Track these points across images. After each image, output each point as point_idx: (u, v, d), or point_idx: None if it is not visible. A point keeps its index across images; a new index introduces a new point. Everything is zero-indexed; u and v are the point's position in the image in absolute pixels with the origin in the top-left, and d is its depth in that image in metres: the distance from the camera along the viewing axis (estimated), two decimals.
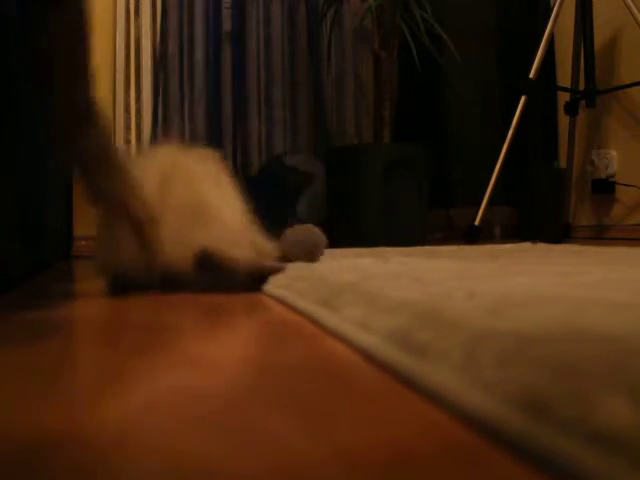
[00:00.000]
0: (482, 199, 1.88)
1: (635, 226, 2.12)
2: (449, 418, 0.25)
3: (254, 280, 0.74)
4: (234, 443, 0.23)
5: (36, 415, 0.26)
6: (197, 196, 0.79)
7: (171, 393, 0.29)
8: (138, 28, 2.15)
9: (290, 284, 0.67)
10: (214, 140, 2.22)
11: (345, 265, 0.92)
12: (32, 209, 0.94)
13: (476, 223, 1.87)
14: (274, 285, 0.70)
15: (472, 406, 0.24)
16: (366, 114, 2.41)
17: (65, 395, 0.30)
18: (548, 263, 0.90)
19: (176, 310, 0.60)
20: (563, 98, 2.25)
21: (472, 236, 1.87)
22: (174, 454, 0.22)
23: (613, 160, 2.22)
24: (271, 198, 2.08)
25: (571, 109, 2.18)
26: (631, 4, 1.85)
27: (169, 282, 0.74)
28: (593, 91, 2.01)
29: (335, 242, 2.00)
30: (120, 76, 2.10)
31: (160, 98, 2.17)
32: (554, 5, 1.96)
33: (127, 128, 2.10)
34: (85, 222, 1.79)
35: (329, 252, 1.10)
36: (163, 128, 2.14)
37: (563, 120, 2.35)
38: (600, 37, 2.14)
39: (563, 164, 2.30)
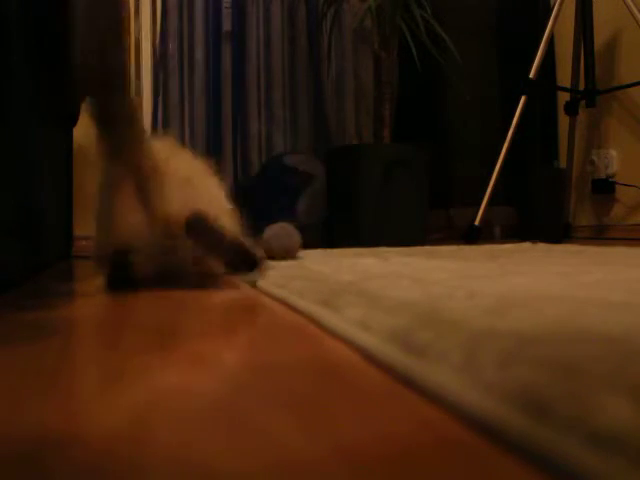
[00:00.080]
0: (482, 199, 1.88)
1: (635, 226, 2.12)
2: (449, 418, 0.25)
3: (241, 259, 0.76)
4: (233, 442, 0.23)
5: (36, 415, 0.26)
6: (192, 171, 0.84)
7: (171, 392, 0.29)
8: (138, 28, 2.15)
9: (290, 284, 0.67)
10: (214, 140, 2.22)
11: (345, 265, 0.92)
12: (32, 209, 0.94)
13: (476, 223, 1.87)
14: (274, 285, 0.70)
15: (472, 406, 0.24)
16: (366, 114, 2.41)
17: (65, 395, 0.30)
18: (548, 263, 0.90)
19: (176, 309, 0.60)
20: (563, 98, 2.25)
21: (472, 236, 1.87)
22: (174, 453, 0.22)
23: (613, 160, 2.22)
24: (271, 198, 2.08)
25: (571, 109, 2.18)
26: (631, 4, 1.85)
27: (165, 266, 0.77)
28: (593, 91, 2.01)
29: (335, 242, 2.00)
30: None
31: (160, 98, 2.17)
32: (554, 5, 1.96)
33: None
34: (85, 222, 1.79)
35: (329, 252, 1.12)
36: (163, 128, 2.14)
37: (563, 120, 2.35)
38: (600, 37, 2.14)
39: (563, 164, 2.30)
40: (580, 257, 1.04)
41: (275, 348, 0.40)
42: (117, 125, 0.77)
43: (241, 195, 2.15)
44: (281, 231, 1.12)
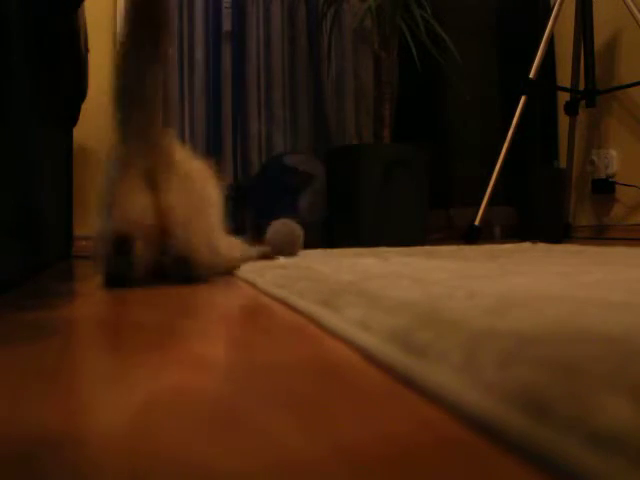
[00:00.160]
0: (482, 199, 1.88)
1: (635, 226, 2.12)
2: (449, 418, 0.25)
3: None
4: (233, 442, 0.23)
5: (36, 415, 0.26)
6: (197, 173, 0.86)
7: (170, 393, 0.29)
8: None
9: (290, 284, 0.67)
10: (214, 140, 2.22)
11: (345, 265, 0.92)
12: (32, 209, 0.94)
13: (476, 223, 1.87)
14: (274, 285, 0.70)
15: (472, 406, 0.24)
16: (366, 114, 2.41)
17: (65, 395, 0.30)
18: (548, 263, 0.90)
19: (175, 309, 0.60)
20: (563, 98, 2.25)
21: (472, 236, 1.87)
22: (173, 453, 0.22)
23: (613, 160, 2.22)
24: (271, 198, 2.08)
25: (571, 109, 2.18)
26: (631, 4, 1.85)
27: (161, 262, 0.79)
28: (593, 91, 2.01)
29: (335, 242, 2.00)
30: None
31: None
32: (554, 5, 1.96)
33: None
34: (85, 222, 1.79)
35: (329, 252, 1.13)
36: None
37: (563, 120, 2.35)
38: (600, 37, 2.14)
39: (563, 164, 2.30)
40: (580, 257, 1.04)
41: (275, 348, 0.40)
42: (150, 99, 0.81)
43: (241, 195, 2.15)
44: (283, 227, 1.14)
